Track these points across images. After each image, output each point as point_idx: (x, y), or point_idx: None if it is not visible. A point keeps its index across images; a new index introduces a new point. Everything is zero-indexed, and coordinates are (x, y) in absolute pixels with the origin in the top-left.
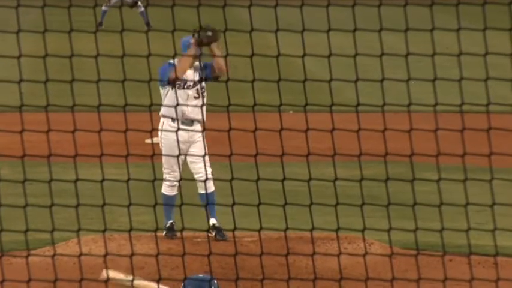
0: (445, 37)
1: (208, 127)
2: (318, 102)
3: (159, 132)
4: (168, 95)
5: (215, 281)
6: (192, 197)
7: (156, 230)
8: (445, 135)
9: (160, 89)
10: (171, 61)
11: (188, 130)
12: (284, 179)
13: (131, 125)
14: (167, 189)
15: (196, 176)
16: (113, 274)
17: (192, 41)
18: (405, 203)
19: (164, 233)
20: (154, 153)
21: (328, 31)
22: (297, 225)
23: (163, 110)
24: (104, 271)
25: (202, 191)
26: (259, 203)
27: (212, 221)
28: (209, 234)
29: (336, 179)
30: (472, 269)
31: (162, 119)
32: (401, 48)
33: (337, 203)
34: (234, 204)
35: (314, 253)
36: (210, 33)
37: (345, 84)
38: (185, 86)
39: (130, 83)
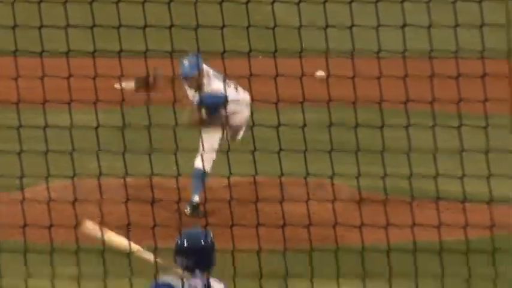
0: None
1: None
2: (287, 48)
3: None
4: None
5: (210, 233)
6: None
7: (125, 176)
8: (414, 82)
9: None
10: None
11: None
12: (253, 125)
13: (100, 70)
14: (207, 167)
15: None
16: (89, 225)
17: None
18: (374, 149)
19: (187, 209)
20: (124, 99)
21: None
22: (266, 171)
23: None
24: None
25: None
26: (228, 150)
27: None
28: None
29: (305, 125)
30: (439, 214)
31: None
32: None
33: (306, 149)
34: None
35: (283, 199)
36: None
37: (314, 30)
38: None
39: (99, 28)
